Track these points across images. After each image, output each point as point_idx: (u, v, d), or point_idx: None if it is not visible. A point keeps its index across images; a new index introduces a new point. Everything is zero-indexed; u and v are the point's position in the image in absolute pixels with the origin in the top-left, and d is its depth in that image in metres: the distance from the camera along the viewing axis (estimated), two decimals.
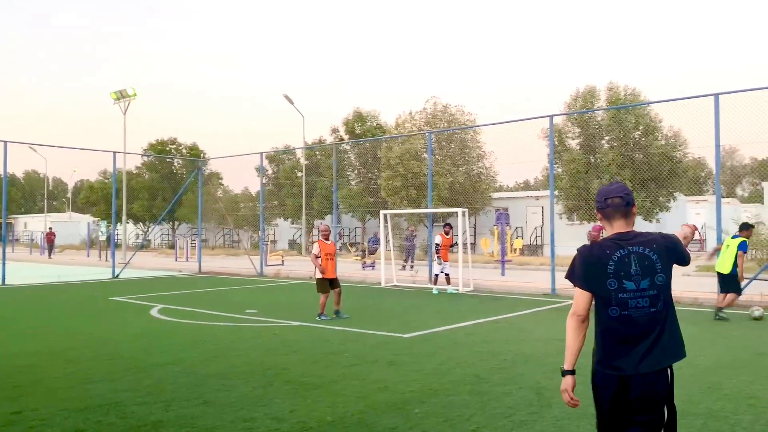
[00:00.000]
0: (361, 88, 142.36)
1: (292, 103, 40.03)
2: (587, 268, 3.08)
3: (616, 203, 3.10)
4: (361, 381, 6.45)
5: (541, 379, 6.48)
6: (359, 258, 27.03)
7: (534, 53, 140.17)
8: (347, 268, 21.61)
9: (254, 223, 43.16)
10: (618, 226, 3.10)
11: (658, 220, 31.27)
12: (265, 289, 17.25)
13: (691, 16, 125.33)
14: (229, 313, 11.84)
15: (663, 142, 27.98)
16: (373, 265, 25.04)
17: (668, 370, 2.99)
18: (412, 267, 24.33)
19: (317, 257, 10.94)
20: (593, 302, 3.08)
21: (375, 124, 40.47)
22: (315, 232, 47.40)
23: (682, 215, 33.71)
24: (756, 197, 56.11)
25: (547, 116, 16.41)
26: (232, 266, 25.91)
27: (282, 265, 26.78)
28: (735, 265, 10.66)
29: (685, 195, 32.75)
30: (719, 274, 11.03)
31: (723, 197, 12.09)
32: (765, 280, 13.63)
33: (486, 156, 33.64)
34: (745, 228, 11.01)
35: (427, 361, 7.44)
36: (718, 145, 13.04)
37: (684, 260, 3.16)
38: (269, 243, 34.88)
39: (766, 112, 13.47)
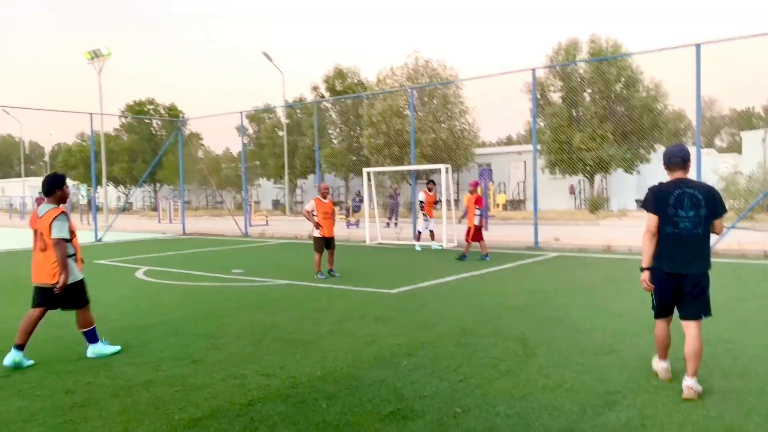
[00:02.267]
0: (340, 44, 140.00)
1: (270, 60, 39.31)
2: (656, 200, 4.66)
3: (677, 161, 4.67)
4: (350, 336, 6.53)
5: (526, 329, 6.61)
6: (343, 217, 27.06)
7: (515, 5, 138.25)
8: None
9: (237, 184, 42.87)
10: (677, 174, 4.67)
11: (638, 172, 31.54)
12: (250, 250, 17.25)
13: None
14: (216, 273, 11.86)
15: (644, 94, 27.99)
16: (357, 224, 25.10)
17: (707, 270, 4.62)
18: (396, 224, 24.42)
19: (309, 213, 10.92)
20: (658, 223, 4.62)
21: (356, 81, 39.95)
22: (299, 192, 47.24)
23: (663, 167, 34.02)
24: (734, 147, 56.70)
25: (529, 69, 16.32)
26: (216, 227, 25.82)
27: (266, 225, 26.75)
28: None
29: (666, 147, 33.00)
30: None
31: (702, 148, 12.18)
32: (743, 228, 13.89)
33: (468, 112, 33.49)
34: None
35: (414, 315, 7.54)
36: (699, 96, 13.07)
37: (718, 210, 4.56)
38: (253, 203, 34.75)
39: (747, 62, 13.50)
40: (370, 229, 18.22)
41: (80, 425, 4.24)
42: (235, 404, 4.55)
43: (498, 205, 30.06)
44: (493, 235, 18.80)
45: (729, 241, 12.98)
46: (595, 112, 27.98)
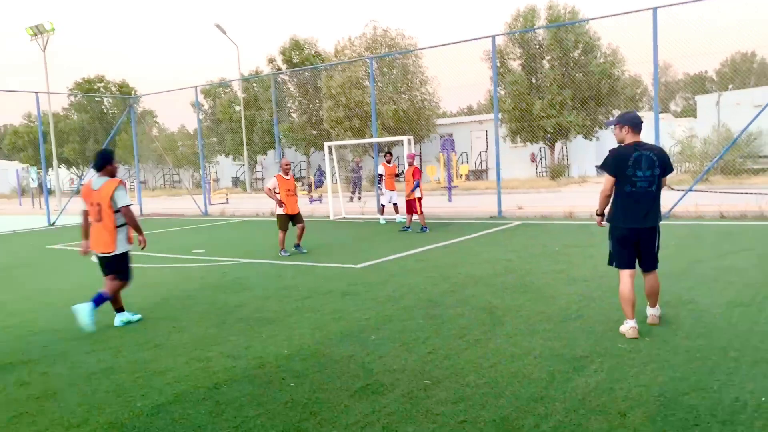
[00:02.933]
0: (296, 14, 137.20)
1: (224, 33, 38.27)
2: (616, 162, 5.08)
3: (640, 124, 5.16)
4: (316, 313, 6.43)
5: (492, 298, 6.61)
6: (305, 192, 26.78)
7: None
8: None
9: (194, 162, 41.98)
10: (636, 138, 5.12)
11: (597, 138, 31.96)
12: (211, 229, 16.92)
13: None
14: (176, 254, 11.58)
15: (602, 60, 28.22)
16: (320, 199, 24.87)
17: (657, 225, 5.21)
18: (360, 198, 24.29)
19: (271, 190, 10.65)
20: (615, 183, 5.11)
21: (313, 52, 39.22)
22: (259, 168, 46.55)
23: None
24: (689, 112, 57.94)
25: (489, 36, 16.20)
26: (174, 207, 25.26)
27: (227, 203, 26.30)
28: None
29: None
30: None
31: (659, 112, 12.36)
32: (700, 191, 14.19)
33: (429, 81, 33.28)
34: None
35: (380, 289, 7.48)
36: (656, 60, 13.17)
37: (668, 169, 5.10)
38: (212, 181, 34.12)
39: (700, 26, 13.64)
40: (334, 203, 18.05)
41: (37, 418, 4.05)
42: (199, 388, 4.42)
43: (461, 176, 30.16)
44: (457, 205, 18.87)
45: (686, 203, 13.26)
46: (554, 79, 28.12)
